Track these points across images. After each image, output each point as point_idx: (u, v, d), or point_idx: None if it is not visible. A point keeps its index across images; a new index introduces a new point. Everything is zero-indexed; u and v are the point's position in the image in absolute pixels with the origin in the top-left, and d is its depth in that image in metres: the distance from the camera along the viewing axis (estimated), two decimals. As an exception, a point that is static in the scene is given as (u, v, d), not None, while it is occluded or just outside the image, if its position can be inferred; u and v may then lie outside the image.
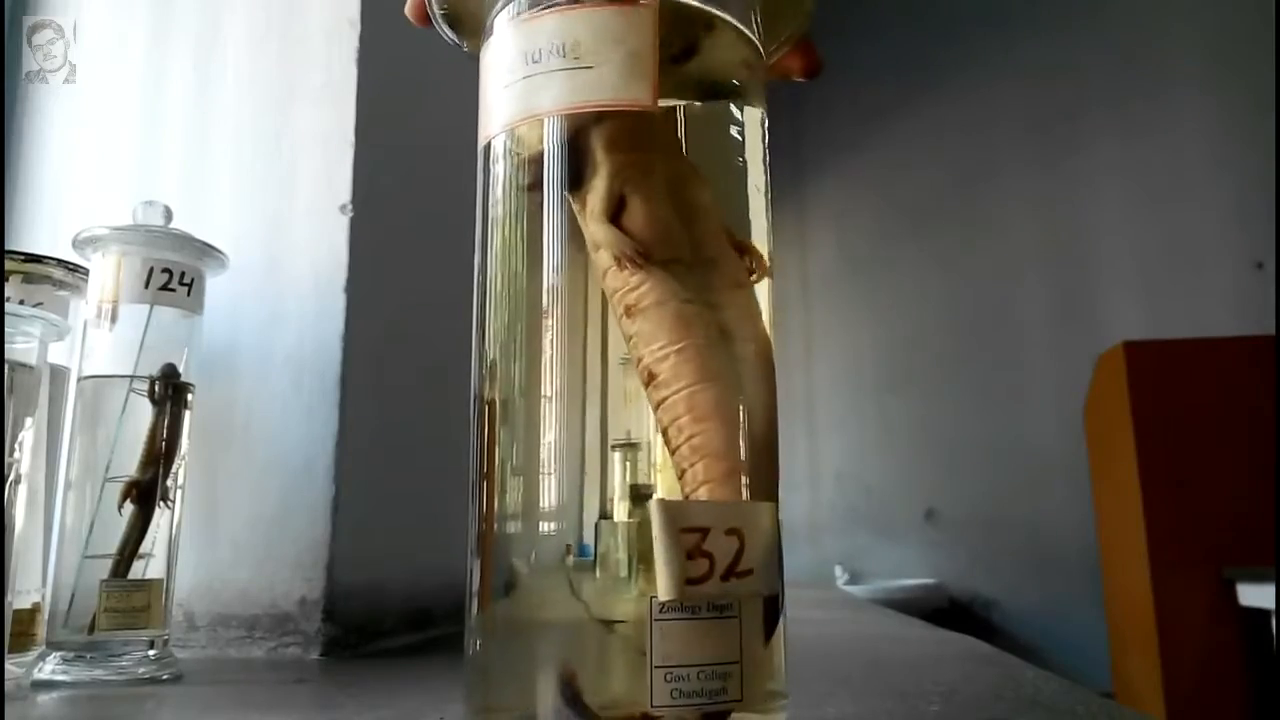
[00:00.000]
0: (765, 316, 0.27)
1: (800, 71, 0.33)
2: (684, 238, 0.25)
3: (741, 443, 0.24)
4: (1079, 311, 2.84)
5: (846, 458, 3.11)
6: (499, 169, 0.27)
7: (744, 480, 0.23)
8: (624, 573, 0.25)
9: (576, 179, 0.25)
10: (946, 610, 2.70)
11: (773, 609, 0.24)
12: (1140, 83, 2.89)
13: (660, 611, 0.22)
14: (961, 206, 3.07)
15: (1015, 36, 3.04)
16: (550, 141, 0.26)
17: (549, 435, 0.25)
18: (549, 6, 0.26)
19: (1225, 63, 2.79)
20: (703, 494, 0.23)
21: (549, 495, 0.25)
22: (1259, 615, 1.77)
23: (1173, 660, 1.87)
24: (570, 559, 0.25)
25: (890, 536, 2.98)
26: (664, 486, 0.25)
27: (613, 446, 0.25)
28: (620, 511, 0.25)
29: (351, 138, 0.68)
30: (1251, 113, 2.63)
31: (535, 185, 0.26)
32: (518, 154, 0.26)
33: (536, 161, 0.26)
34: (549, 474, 0.25)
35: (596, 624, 0.24)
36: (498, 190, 0.28)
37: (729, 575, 0.22)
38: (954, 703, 0.41)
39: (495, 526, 0.26)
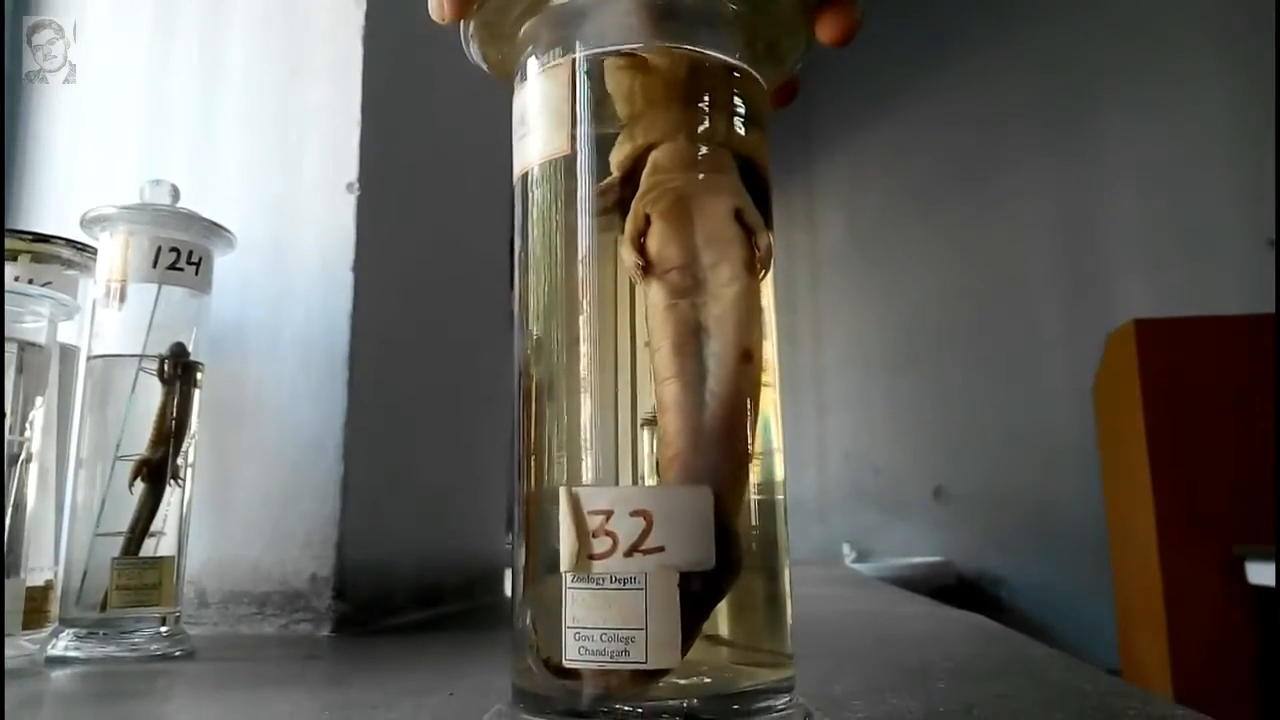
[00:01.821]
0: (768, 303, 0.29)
1: (829, 39, 0.32)
2: (687, 248, 0.28)
3: (691, 432, 0.26)
4: (1089, 290, 2.83)
5: (855, 436, 3.11)
6: (538, 192, 0.30)
7: (683, 465, 0.26)
8: None
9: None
10: (954, 588, 2.70)
11: (713, 581, 0.26)
12: (1152, 60, 2.86)
13: (571, 581, 0.25)
14: (971, 185, 3.05)
15: (1027, 14, 3.01)
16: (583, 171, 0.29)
17: (587, 414, 0.27)
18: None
19: (1237, 40, 2.76)
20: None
21: (587, 474, 0.27)
22: (1268, 593, 1.77)
23: (1180, 638, 1.87)
24: None
25: (898, 515, 2.99)
26: None
27: (641, 424, 0.28)
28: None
29: (358, 116, 0.68)
30: (1263, 90, 2.60)
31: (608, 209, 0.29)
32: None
33: (608, 189, 0.29)
34: (587, 452, 0.27)
35: None
36: (535, 211, 0.30)
37: (633, 551, 0.25)
38: (961, 679, 0.41)
39: (539, 507, 0.28)
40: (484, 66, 0.34)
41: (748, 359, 0.28)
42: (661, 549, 0.25)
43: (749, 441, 0.28)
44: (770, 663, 0.28)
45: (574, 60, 0.29)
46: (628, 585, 0.25)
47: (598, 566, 0.25)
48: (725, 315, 0.27)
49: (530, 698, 0.27)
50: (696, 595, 0.25)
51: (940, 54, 3.10)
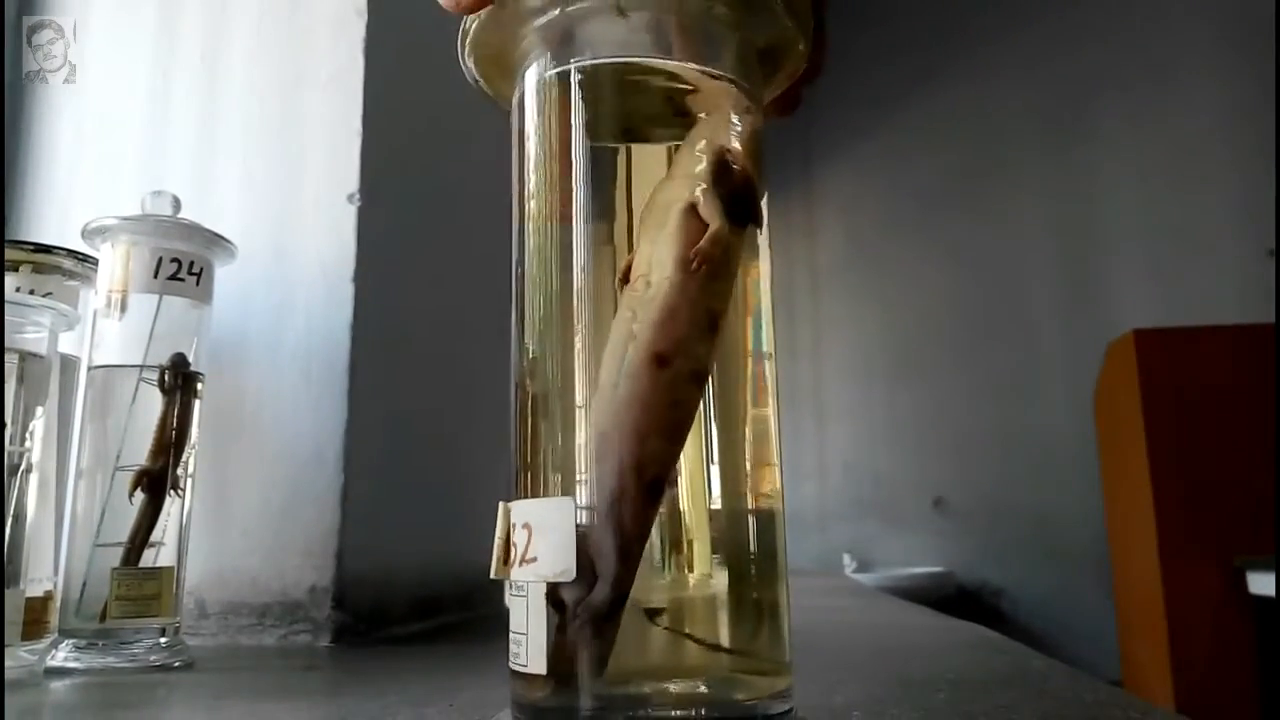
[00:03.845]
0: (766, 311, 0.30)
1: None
2: (646, 256, 0.28)
3: (590, 446, 0.27)
4: (1089, 299, 2.83)
5: (855, 446, 3.11)
6: (532, 204, 0.30)
7: (578, 478, 0.27)
8: (657, 559, 0.27)
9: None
10: (955, 598, 2.70)
11: (584, 594, 0.26)
12: (1151, 69, 2.87)
13: (506, 588, 0.28)
14: (971, 194, 3.06)
15: (1025, 23, 3.02)
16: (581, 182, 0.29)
17: (581, 429, 0.27)
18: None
19: (1237, 49, 2.77)
20: None
21: (579, 489, 0.27)
22: (1268, 603, 1.77)
23: (1182, 648, 1.87)
24: None
25: (899, 525, 2.99)
26: (686, 471, 0.27)
27: None
28: None
29: (359, 127, 0.68)
30: (1263, 99, 2.61)
31: None
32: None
33: None
34: (580, 467, 0.27)
35: (636, 610, 0.26)
36: (531, 225, 0.31)
37: (521, 561, 0.27)
38: (961, 690, 0.41)
39: None
40: (495, 100, 0.34)
41: (660, 363, 0.26)
42: (535, 560, 0.26)
43: (650, 450, 0.26)
44: (769, 672, 0.28)
45: (535, 81, 0.30)
46: (520, 593, 0.27)
47: (509, 574, 0.27)
48: (646, 318, 0.27)
49: (522, 706, 0.27)
50: (571, 606, 0.26)
51: (939, 63, 3.11)
